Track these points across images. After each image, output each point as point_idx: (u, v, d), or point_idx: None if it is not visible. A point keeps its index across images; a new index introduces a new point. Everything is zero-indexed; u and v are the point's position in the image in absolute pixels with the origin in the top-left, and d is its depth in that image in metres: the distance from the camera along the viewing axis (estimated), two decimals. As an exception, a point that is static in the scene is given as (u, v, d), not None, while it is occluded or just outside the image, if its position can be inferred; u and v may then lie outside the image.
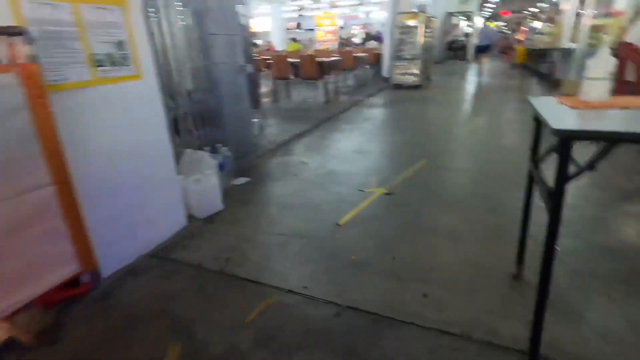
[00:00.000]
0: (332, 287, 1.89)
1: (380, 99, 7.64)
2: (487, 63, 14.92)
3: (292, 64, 7.11)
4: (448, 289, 1.84)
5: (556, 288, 1.55)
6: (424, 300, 1.77)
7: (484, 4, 22.63)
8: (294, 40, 14.03)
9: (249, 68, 3.81)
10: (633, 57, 4.49)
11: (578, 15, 7.52)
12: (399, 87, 8.87)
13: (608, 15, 6.97)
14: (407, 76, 8.64)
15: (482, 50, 11.39)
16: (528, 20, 21.85)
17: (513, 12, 29.32)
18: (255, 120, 4.40)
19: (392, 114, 6.30)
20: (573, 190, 2.33)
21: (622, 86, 4.47)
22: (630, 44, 4.56)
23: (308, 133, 5.01)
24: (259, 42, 24.47)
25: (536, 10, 27.92)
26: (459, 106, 6.89)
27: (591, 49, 6.86)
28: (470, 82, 10.31)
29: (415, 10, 8.88)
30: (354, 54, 8.92)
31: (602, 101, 1.37)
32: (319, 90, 7.37)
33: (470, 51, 17.65)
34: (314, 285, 1.91)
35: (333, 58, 7.27)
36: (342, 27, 26.58)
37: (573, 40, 7.56)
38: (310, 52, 9.19)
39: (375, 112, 6.36)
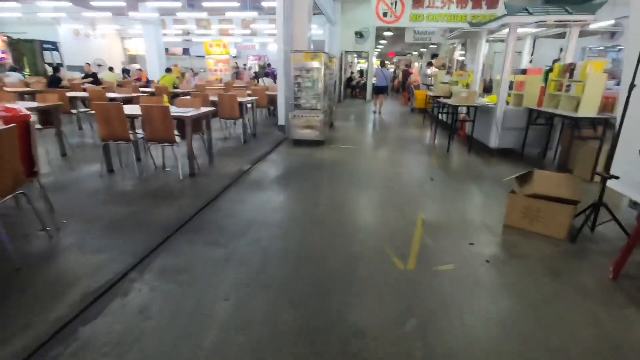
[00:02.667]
0: None
1: (273, 167, 5.54)
2: (385, 104, 14.52)
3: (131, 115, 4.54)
4: None
5: None
6: None
7: (377, 46, 23.27)
8: (169, 70, 11.23)
9: None
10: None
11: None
12: (299, 143, 6.97)
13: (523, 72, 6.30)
14: (308, 130, 6.80)
15: (379, 90, 12.11)
16: (416, 63, 23.09)
17: (397, 53, 31.51)
18: None
19: (289, 207, 4.21)
20: None
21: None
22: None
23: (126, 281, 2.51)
24: (136, 66, 20.66)
25: (416, 53, 30.48)
26: (376, 183, 5.20)
27: (517, 109, 6.03)
28: (378, 133, 9.07)
29: (311, 47, 7.25)
30: (238, 99, 6.76)
31: None
32: (187, 149, 4.92)
33: (369, 90, 17.35)
34: None
35: (201, 111, 4.94)
36: (236, 57, 24.53)
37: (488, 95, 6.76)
38: (164, 102, 6.70)
39: (258, 202, 4.18)
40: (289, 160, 5.84)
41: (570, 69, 5.19)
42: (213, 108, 5.29)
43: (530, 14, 5.41)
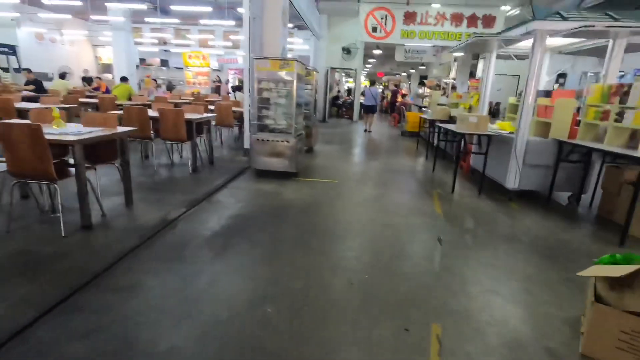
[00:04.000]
0: None
1: (215, 214, 3.97)
2: (374, 124, 13.25)
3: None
4: None
5: None
6: None
7: (366, 64, 22.31)
8: (125, 79, 9.64)
9: None
10: None
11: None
12: (263, 175, 5.44)
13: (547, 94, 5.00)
14: (275, 159, 5.29)
15: (368, 109, 11.96)
16: (405, 84, 22.19)
17: (386, 73, 30.79)
18: None
19: (216, 306, 2.63)
20: None
21: None
22: None
23: None
24: (108, 76, 18.99)
25: (405, 74, 29.82)
26: (360, 252, 3.70)
27: (543, 141, 4.67)
28: (364, 160, 7.63)
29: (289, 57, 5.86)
30: (188, 116, 5.23)
31: None
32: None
33: (356, 110, 16.11)
34: None
35: (115, 131, 3.38)
36: (218, 70, 23.15)
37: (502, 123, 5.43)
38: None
39: (164, 291, 2.60)
40: (242, 203, 4.27)
41: (621, 91, 3.88)
42: (130, 128, 3.71)
43: (565, 19, 4.13)
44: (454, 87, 13.36)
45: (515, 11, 12.15)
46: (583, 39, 4.96)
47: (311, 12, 12.60)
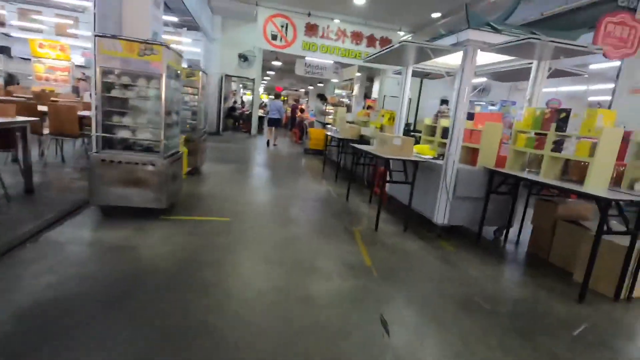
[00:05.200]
0: None
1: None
2: (277, 140, 12.11)
3: None
4: None
5: None
6: None
7: (264, 76, 21.16)
8: None
9: None
10: None
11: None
12: (113, 213, 3.61)
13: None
14: (133, 189, 3.53)
15: (273, 123, 11.50)
16: (303, 99, 21.82)
17: (285, 88, 30.27)
18: None
19: None
20: None
21: None
22: None
23: None
24: None
25: (303, 90, 29.78)
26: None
27: (473, 170, 4.04)
28: (264, 186, 6.30)
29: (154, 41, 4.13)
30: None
31: None
32: None
33: (255, 122, 14.64)
34: None
35: None
36: (85, 67, 18.89)
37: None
38: None
39: None
40: (57, 275, 2.46)
41: (557, 118, 3.45)
42: None
43: (499, 31, 3.59)
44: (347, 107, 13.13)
45: (408, 36, 12.64)
46: (498, 61, 4.64)
47: (201, 7, 10.86)
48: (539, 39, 3.03)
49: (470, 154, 4.27)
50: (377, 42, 12.94)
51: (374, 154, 4.30)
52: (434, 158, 4.47)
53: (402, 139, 4.23)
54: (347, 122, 7.39)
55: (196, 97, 5.87)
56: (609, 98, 7.30)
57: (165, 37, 10.96)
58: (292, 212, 4.59)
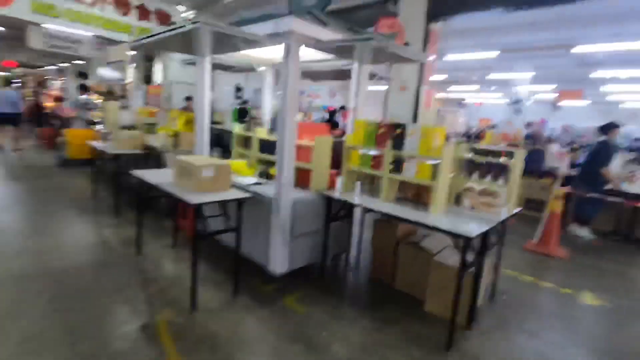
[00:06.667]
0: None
1: None
2: (20, 143, 8.13)
3: None
4: None
5: None
6: None
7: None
8: None
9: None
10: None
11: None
12: None
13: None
14: None
15: (7, 120, 8.41)
16: (56, 81, 16.18)
17: (23, 64, 21.73)
18: None
19: None
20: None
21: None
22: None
23: None
24: None
25: (55, 67, 22.29)
26: None
27: (309, 199, 3.16)
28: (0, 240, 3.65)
29: None
30: None
31: None
32: None
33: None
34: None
35: None
36: None
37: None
38: None
39: None
40: None
41: (393, 133, 3.00)
42: None
43: (324, 24, 2.77)
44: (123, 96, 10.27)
45: (191, 13, 10.82)
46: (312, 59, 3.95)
47: None
48: (388, 42, 2.37)
49: (300, 175, 3.45)
50: (153, 15, 10.48)
51: (174, 196, 2.80)
52: (257, 183, 3.42)
53: (215, 168, 2.91)
54: (125, 127, 5.24)
55: None
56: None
57: None
58: (46, 296, 2.53)
